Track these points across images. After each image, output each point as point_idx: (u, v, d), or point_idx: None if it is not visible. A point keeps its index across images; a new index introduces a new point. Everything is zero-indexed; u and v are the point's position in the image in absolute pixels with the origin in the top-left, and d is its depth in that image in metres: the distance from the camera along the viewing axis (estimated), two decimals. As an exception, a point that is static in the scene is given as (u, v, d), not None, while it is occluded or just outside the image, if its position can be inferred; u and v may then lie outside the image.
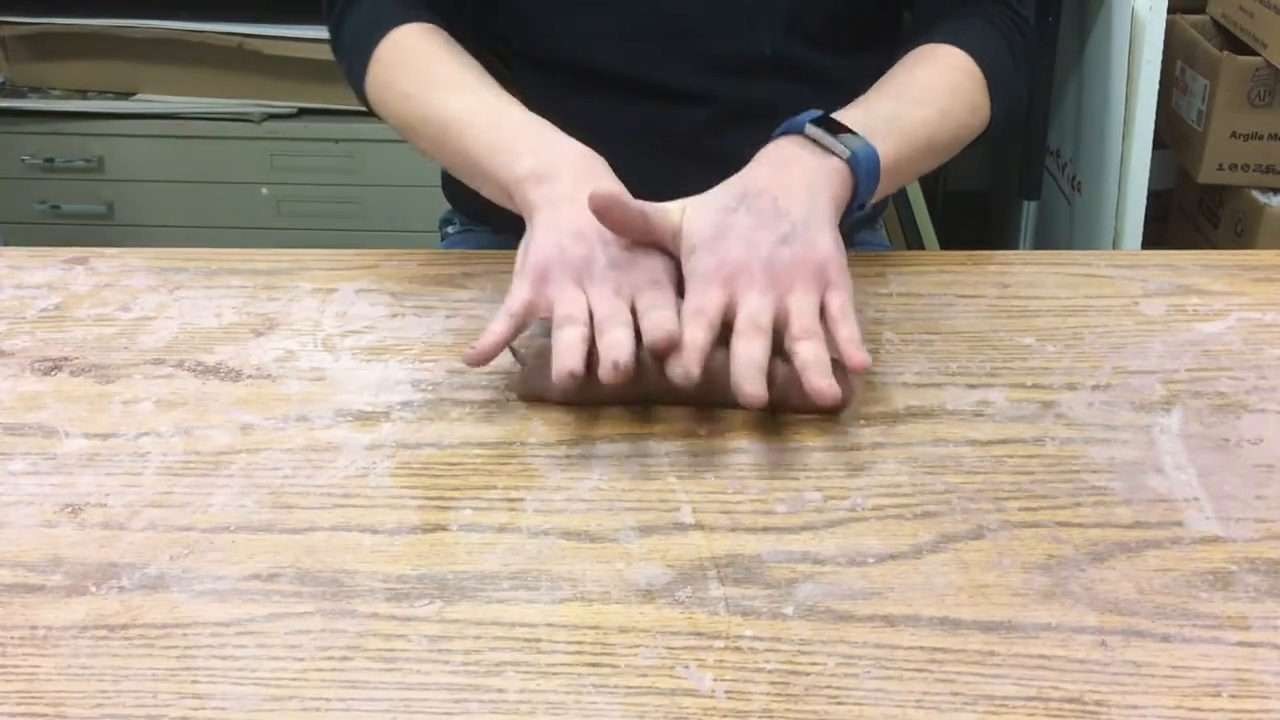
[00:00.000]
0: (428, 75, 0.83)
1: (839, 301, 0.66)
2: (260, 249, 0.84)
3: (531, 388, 0.67)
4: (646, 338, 0.64)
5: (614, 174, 0.73)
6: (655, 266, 0.68)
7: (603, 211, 0.68)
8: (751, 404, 0.61)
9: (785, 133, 0.74)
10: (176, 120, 2.02)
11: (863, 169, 0.72)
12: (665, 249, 0.69)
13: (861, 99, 0.80)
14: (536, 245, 0.69)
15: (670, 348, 0.63)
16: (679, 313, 0.65)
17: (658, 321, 0.64)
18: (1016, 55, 0.90)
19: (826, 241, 0.68)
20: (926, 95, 0.81)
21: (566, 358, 0.63)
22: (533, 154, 0.73)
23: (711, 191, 0.71)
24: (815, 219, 0.68)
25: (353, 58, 0.88)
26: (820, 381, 0.62)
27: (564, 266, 0.67)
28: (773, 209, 0.68)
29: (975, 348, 0.71)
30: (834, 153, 0.72)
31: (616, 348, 0.63)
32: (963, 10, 0.90)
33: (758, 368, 0.62)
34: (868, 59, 0.96)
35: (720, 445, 0.63)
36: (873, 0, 0.94)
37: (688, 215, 0.69)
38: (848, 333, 0.65)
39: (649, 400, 0.66)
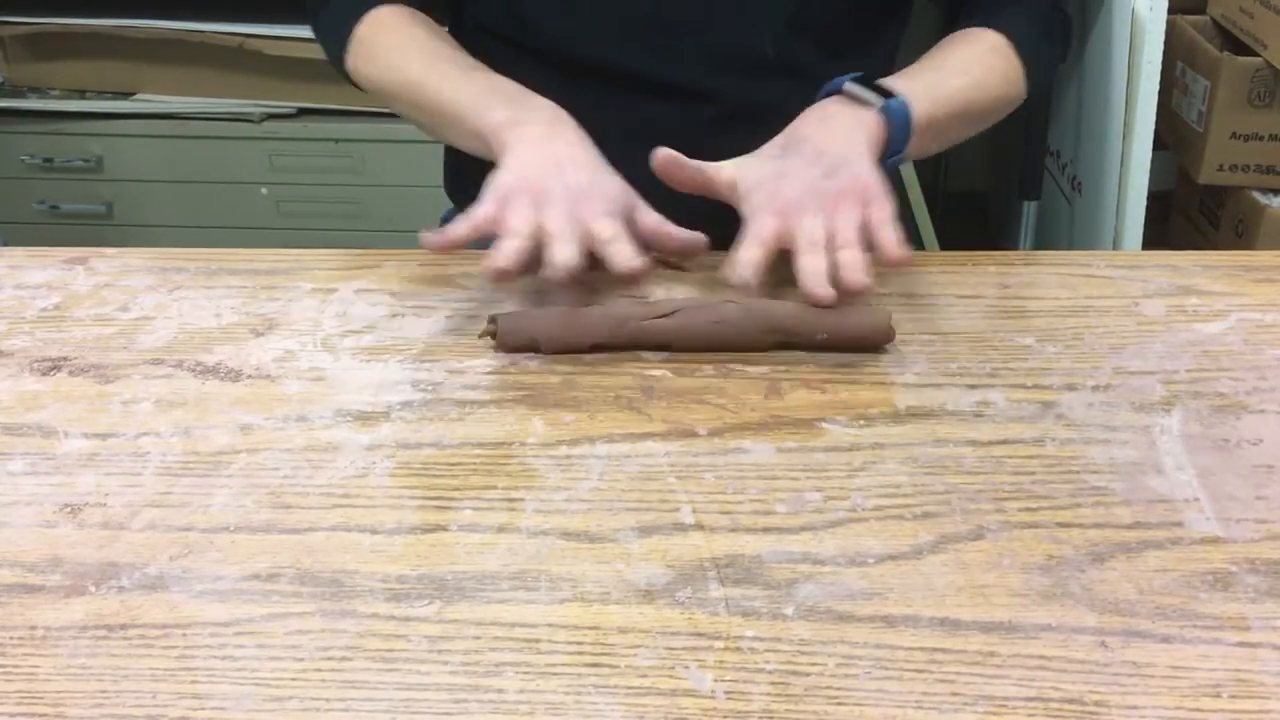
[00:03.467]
0: (405, 48, 0.90)
1: (879, 213, 0.74)
2: (260, 249, 0.84)
3: (509, 341, 0.71)
4: (609, 263, 0.71)
5: (579, 127, 0.80)
6: (610, 201, 0.75)
7: (664, 167, 0.77)
8: (822, 302, 0.69)
9: (828, 93, 0.82)
10: (176, 120, 2.02)
11: (896, 118, 0.80)
12: (620, 194, 0.76)
13: (901, 71, 0.87)
14: (504, 171, 0.76)
15: (632, 281, 0.72)
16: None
17: (619, 251, 0.71)
18: (1053, 35, 0.96)
19: (865, 170, 0.76)
20: (962, 66, 0.89)
21: (498, 258, 0.69)
22: (505, 106, 0.81)
23: (762, 148, 0.79)
24: (853, 153, 0.77)
25: (333, 37, 0.95)
26: (855, 276, 0.70)
27: (525, 191, 0.74)
28: (815, 150, 0.77)
29: (975, 348, 0.71)
30: (868, 104, 0.80)
31: (563, 254, 0.69)
32: (1001, 3, 0.94)
33: (822, 274, 0.70)
34: (870, 64, 0.96)
35: (720, 445, 0.63)
36: (878, 8, 0.94)
37: (740, 167, 0.78)
38: (888, 236, 0.72)
39: (635, 346, 0.71)
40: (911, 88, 0.82)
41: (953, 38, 0.92)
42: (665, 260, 0.79)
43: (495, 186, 0.75)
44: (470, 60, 0.88)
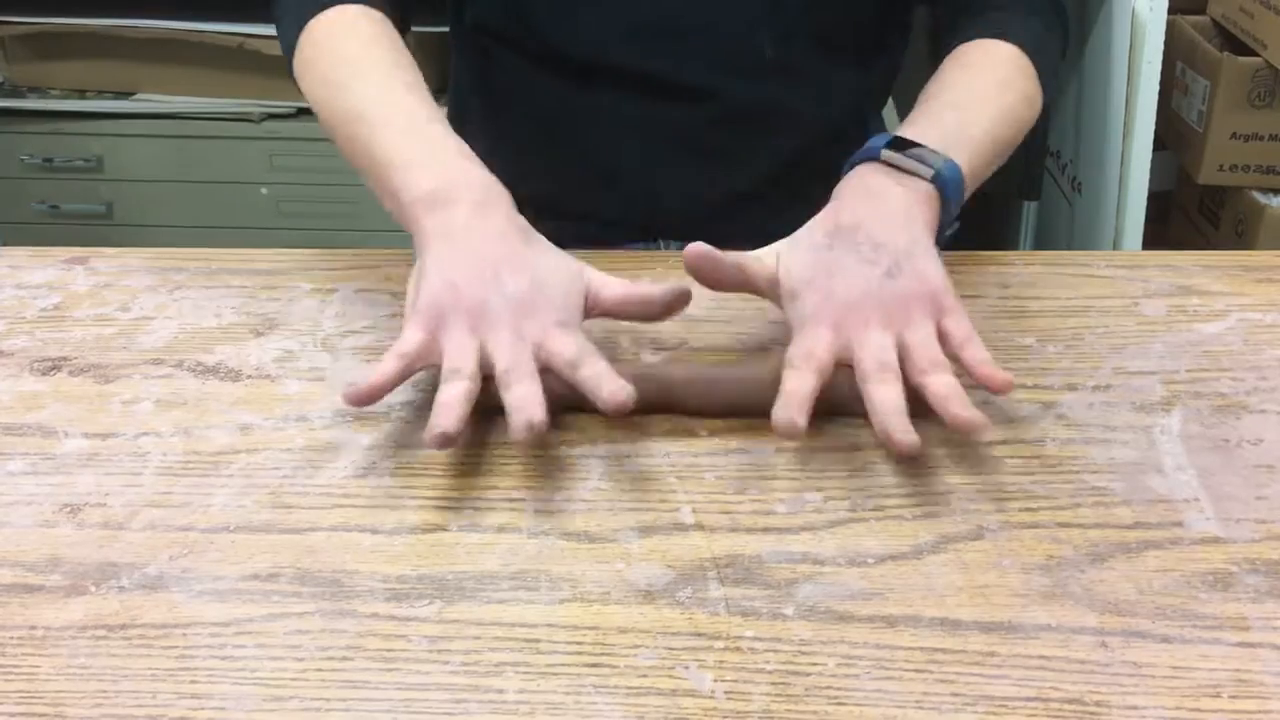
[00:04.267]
0: (351, 63, 0.78)
1: (961, 327, 0.63)
2: (260, 249, 0.84)
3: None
4: (589, 396, 0.60)
5: (513, 204, 0.69)
6: (560, 305, 0.64)
7: (697, 267, 0.66)
8: (906, 454, 0.58)
9: (860, 160, 0.72)
10: (176, 120, 2.02)
11: (949, 185, 0.70)
12: (569, 288, 0.65)
13: (920, 112, 0.77)
14: (428, 284, 0.64)
15: (623, 412, 0.59)
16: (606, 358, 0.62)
17: (598, 378, 0.60)
18: (1054, 32, 0.88)
19: (933, 269, 0.65)
20: (985, 96, 0.80)
21: (441, 416, 0.58)
22: (433, 175, 0.69)
23: (802, 232, 0.68)
24: (916, 247, 0.66)
25: (288, 28, 0.84)
26: (964, 413, 0.59)
27: (458, 309, 0.63)
28: (870, 243, 0.65)
29: (975, 348, 0.71)
30: (917, 174, 0.70)
31: (527, 404, 0.58)
32: (999, 2, 0.88)
33: (901, 412, 0.59)
34: (870, 67, 0.96)
35: (720, 446, 0.63)
36: (877, 6, 0.94)
37: (783, 260, 0.67)
38: (981, 355, 0.62)
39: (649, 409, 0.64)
40: (945, 137, 0.72)
41: (964, 55, 0.84)
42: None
43: (422, 305, 0.63)
44: (418, 97, 0.75)
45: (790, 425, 0.58)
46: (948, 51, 0.85)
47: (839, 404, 0.63)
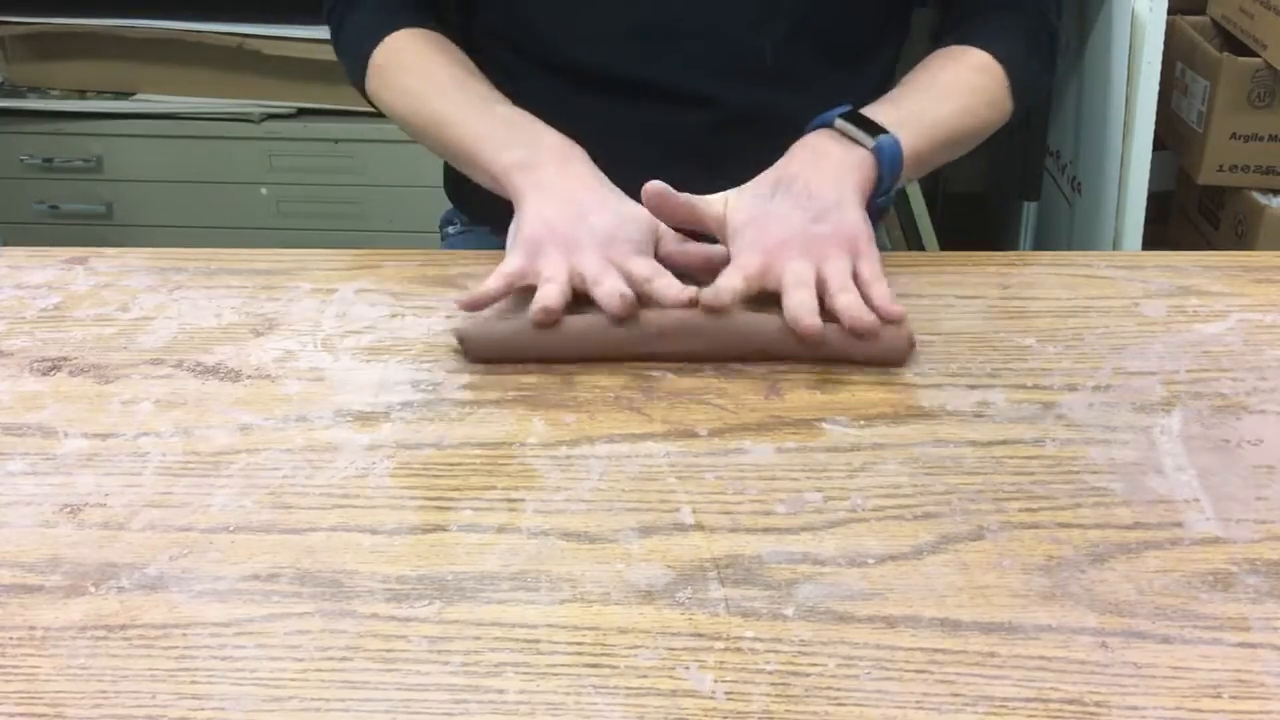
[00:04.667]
0: (422, 75, 0.89)
1: (870, 268, 0.73)
2: (260, 249, 0.84)
3: (480, 350, 0.71)
4: (658, 299, 0.71)
5: (591, 161, 0.80)
6: (638, 239, 0.75)
7: (653, 201, 0.76)
8: (810, 335, 0.68)
9: (817, 127, 0.81)
10: (176, 120, 2.02)
11: (886, 158, 0.78)
12: (643, 228, 0.76)
13: (888, 96, 0.86)
14: (527, 222, 0.75)
15: (683, 306, 0.70)
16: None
17: (667, 285, 0.71)
18: (1041, 52, 0.94)
19: (854, 218, 0.75)
20: (949, 91, 0.87)
21: (544, 299, 0.69)
22: (518, 145, 0.80)
23: (750, 182, 0.78)
24: (844, 200, 0.75)
25: (353, 59, 0.94)
26: (865, 317, 0.68)
27: (553, 239, 0.74)
28: (805, 192, 0.75)
29: (975, 349, 0.71)
30: (860, 143, 0.79)
31: (615, 290, 0.70)
32: (988, 14, 0.93)
33: (809, 307, 0.69)
34: (868, 71, 0.96)
35: (720, 445, 0.63)
36: (876, 12, 0.94)
37: (729, 203, 0.77)
38: (881, 290, 0.71)
39: (608, 358, 0.70)
40: (900, 118, 0.81)
41: (937, 57, 0.91)
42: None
43: (521, 239, 0.74)
44: (486, 90, 0.88)
45: (718, 301, 0.69)
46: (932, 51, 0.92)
47: (824, 351, 0.70)
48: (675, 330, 0.70)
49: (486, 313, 0.72)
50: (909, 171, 0.81)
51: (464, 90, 0.87)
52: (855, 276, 0.72)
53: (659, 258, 0.76)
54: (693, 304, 0.70)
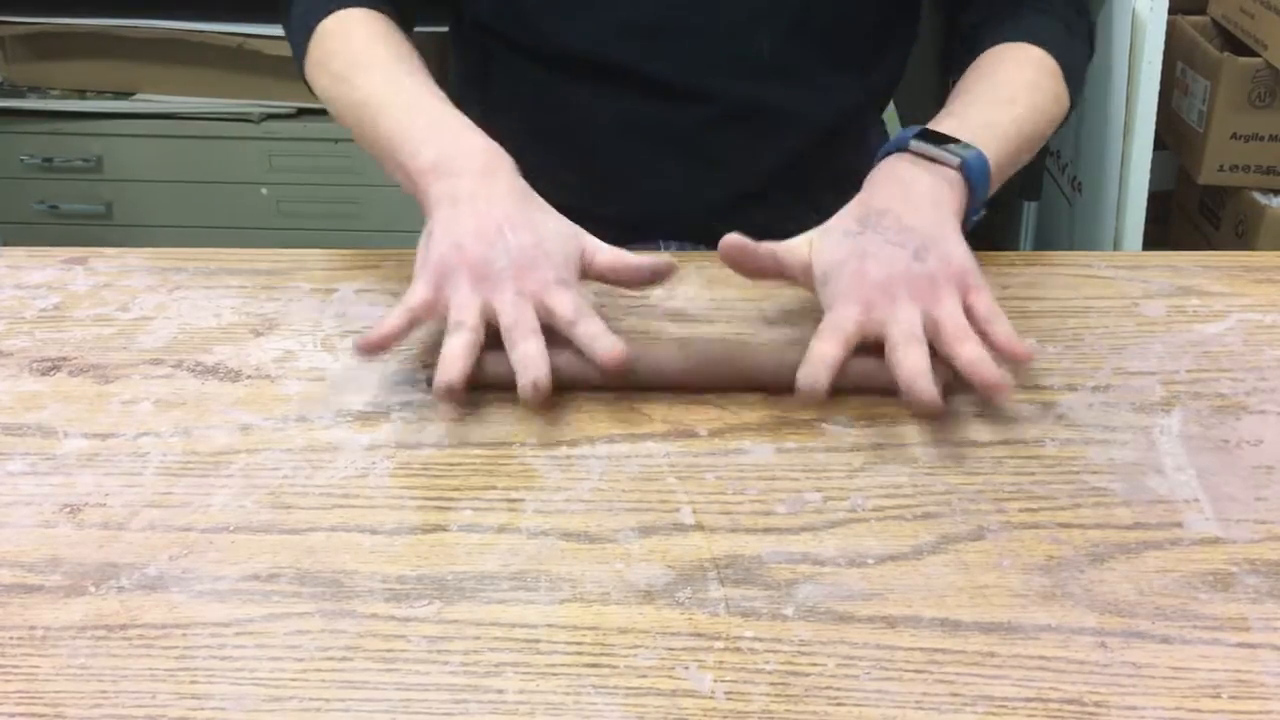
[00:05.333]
0: (357, 58, 0.83)
1: (985, 303, 0.66)
2: (260, 249, 0.84)
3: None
4: (585, 351, 0.64)
5: (516, 170, 0.72)
6: (560, 263, 0.67)
7: (732, 258, 0.69)
8: (928, 411, 0.61)
9: (889, 152, 0.74)
10: (176, 120, 2.02)
11: (975, 174, 0.73)
12: (568, 249, 0.69)
13: (949, 109, 0.80)
14: (435, 243, 0.68)
15: (622, 369, 0.63)
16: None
17: (594, 335, 0.64)
18: (1081, 40, 0.91)
19: (959, 251, 0.68)
20: (1013, 94, 0.82)
21: (449, 369, 0.62)
22: (437, 146, 0.73)
23: (833, 219, 0.71)
24: (942, 230, 0.68)
25: (296, 33, 0.89)
26: (993, 375, 0.62)
27: (462, 266, 0.66)
28: (898, 226, 0.68)
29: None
30: (945, 163, 0.72)
31: (531, 364, 0.62)
32: (1020, 9, 0.90)
33: (925, 374, 0.62)
34: (871, 71, 0.96)
35: (720, 446, 0.63)
36: (876, 10, 0.94)
37: (815, 246, 0.69)
38: (1004, 329, 0.65)
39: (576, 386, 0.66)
40: (973, 130, 0.75)
41: (992, 58, 0.86)
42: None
43: (429, 263, 0.67)
44: (420, 82, 0.79)
45: (813, 385, 0.62)
46: (974, 55, 0.87)
47: (862, 380, 0.65)
48: (661, 370, 0.66)
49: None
50: (992, 183, 0.75)
51: (394, 80, 0.80)
52: (969, 313, 0.66)
53: (595, 275, 0.70)
54: (619, 367, 0.63)
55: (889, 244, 0.67)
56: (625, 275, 0.70)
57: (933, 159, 0.73)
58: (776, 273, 0.70)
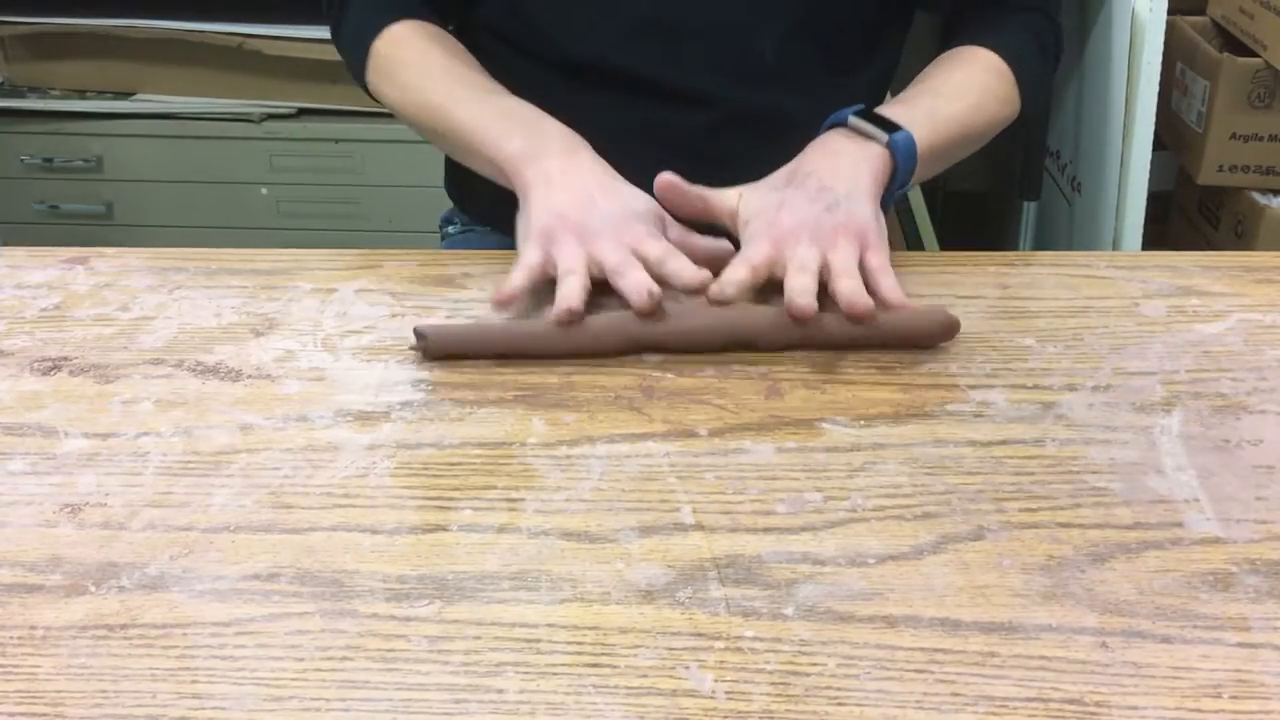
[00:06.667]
0: (422, 67, 0.89)
1: (877, 259, 0.73)
2: (260, 249, 0.84)
3: (439, 349, 0.70)
4: (674, 281, 0.71)
5: (594, 151, 0.80)
6: (649, 225, 0.75)
7: (665, 192, 0.77)
8: (802, 315, 0.68)
9: (831, 126, 0.82)
10: (176, 120, 2.02)
11: (901, 152, 0.79)
12: (652, 213, 0.76)
13: (899, 97, 0.87)
14: (536, 214, 0.75)
15: (698, 290, 0.71)
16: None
17: (682, 267, 0.71)
18: (1047, 50, 0.95)
19: (866, 211, 0.75)
20: (959, 90, 0.88)
21: (567, 299, 0.69)
22: (521, 135, 0.80)
23: (765, 179, 0.79)
24: (856, 193, 0.76)
25: (352, 52, 0.94)
26: (861, 301, 0.69)
27: (565, 228, 0.74)
28: (819, 185, 0.76)
29: (975, 349, 0.71)
30: (874, 139, 0.79)
31: (643, 284, 0.70)
32: (992, 15, 0.94)
33: (807, 289, 0.69)
34: (869, 73, 0.96)
35: (720, 445, 0.63)
36: (875, 15, 0.94)
37: (743, 196, 0.77)
38: (888, 282, 0.72)
39: (590, 354, 0.70)
40: (913, 116, 0.81)
41: (949, 57, 0.92)
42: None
43: (534, 231, 0.74)
44: (487, 81, 0.87)
45: (723, 296, 0.70)
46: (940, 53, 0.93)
47: (824, 338, 0.71)
48: (662, 330, 0.71)
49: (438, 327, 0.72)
50: (922, 167, 0.82)
51: (464, 81, 0.87)
52: (862, 267, 0.72)
53: None
54: (701, 287, 0.71)
55: (806, 199, 0.75)
56: (688, 252, 0.75)
57: (864, 134, 0.80)
58: (706, 214, 0.78)
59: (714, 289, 0.70)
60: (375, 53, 0.91)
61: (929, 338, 0.71)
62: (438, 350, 0.70)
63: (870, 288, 0.71)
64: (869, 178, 0.77)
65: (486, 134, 0.81)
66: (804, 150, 0.80)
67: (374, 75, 0.92)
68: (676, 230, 0.77)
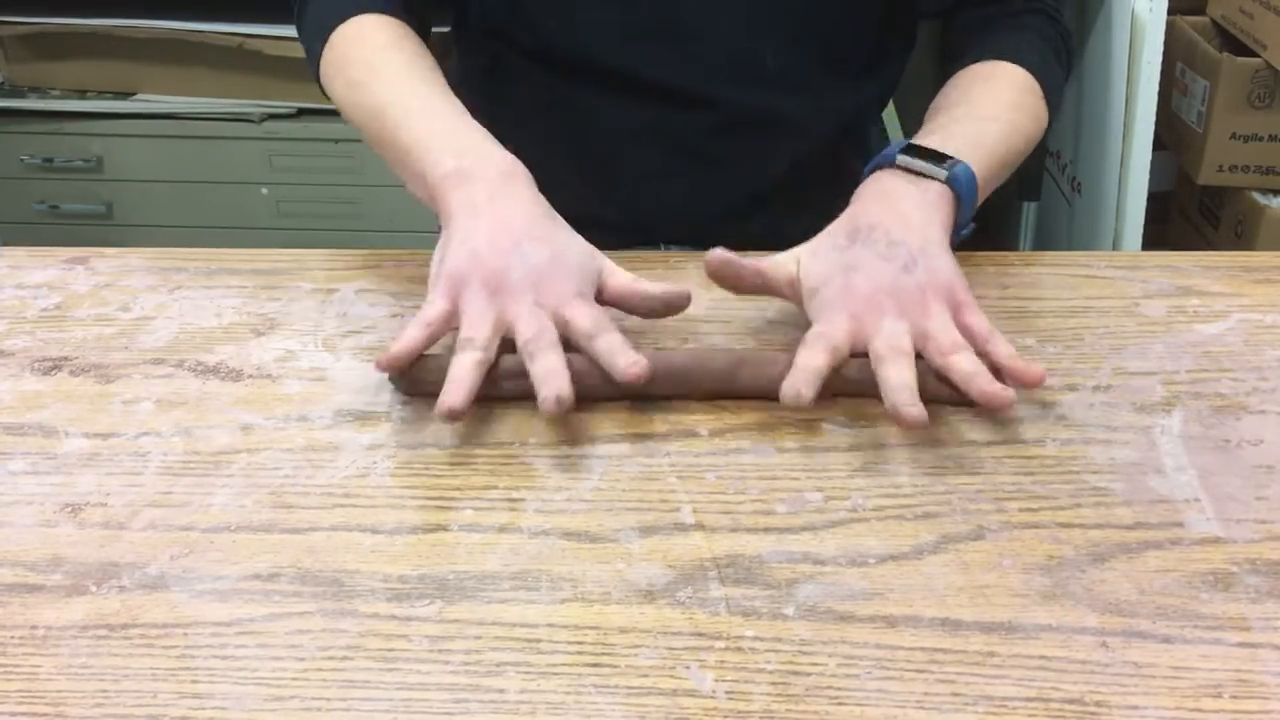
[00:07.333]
0: (374, 64, 0.82)
1: (981, 323, 0.66)
2: (260, 249, 0.84)
3: (414, 387, 0.66)
4: (604, 365, 0.63)
5: (534, 184, 0.72)
6: (578, 277, 0.67)
7: (718, 273, 0.69)
8: (914, 427, 0.60)
9: (877, 167, 0.75)
10: (176, 120, 2.02)
11: (963, 187, 0.72)
12: (586, 265, 0.68)
13: (931, 124, 0.80)
14: (452, 253, 0.67)
15: (637, 384, 0.62)
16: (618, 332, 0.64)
17: (612, 349, 0.62)
18: (1061, 57, 0.91)
19: (948, 264, 0.68)
20: (994, 111, 0.82)
21: (451, 392, 0.61)
22: (456, 155, 0.72)
23: (822, 235, 0.71)
24: (931, 244, 0.68)
25: (311, 38, 0.88)
26: (992, 388, 0.62)
27: (479, 277, 0.65)
28: (887, 240, 0.68)
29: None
30: (933, 177, 0.72)
31: (552, 377, 0.61)
32: (1003, 22, 0.91)
33: (909, 389, 0.61)
34: (871, 77, 0.96)
35: (720, 445, 0.63)
36: (877, 20, 0.94)
37: (803, 262, 0.69)
38: (1007, 350, 0.65)
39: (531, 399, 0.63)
40: (959, 146, 0.74)
41: (975, 75, 0.86)
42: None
43: (445, 274, 0.66)
44: (439, 92, 0.79)
45: (796, 396, 0.61)
46: (958, 66, 0.88)
47: (846, 387, 0.65)
48: (675, 379, 0.65)
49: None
50: (978, 199, 0.75)
51: (413, 88, 0.79)
52: (965, 332, 0.65)
53: (607, 299, 0.69)
54: (637, 379, 0.62)
55: (877, 257, 0.67)
56: (637, 303, 0.69)
57: (920, 173, 0.72)
58: (761, 288, 0.70)
59: (788, 392, 0.61)
60: (331, 44, 0.85)
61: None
62: (412, 388, 0.66)
63: (985, 356, 0.64)
64: (939, 225, 0.70)
65: (421, 149, 0.73)
66: (856, 197, 0.73)
67: (325, 69, 0.85)
68: (622, 280, 0.69)
